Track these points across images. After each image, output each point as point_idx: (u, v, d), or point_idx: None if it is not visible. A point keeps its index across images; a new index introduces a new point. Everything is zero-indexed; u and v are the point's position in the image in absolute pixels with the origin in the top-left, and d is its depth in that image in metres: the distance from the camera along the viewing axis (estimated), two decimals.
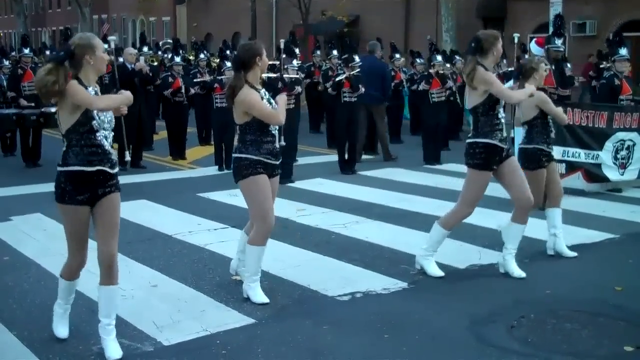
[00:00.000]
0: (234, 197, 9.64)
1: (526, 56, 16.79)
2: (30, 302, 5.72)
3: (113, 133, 4.74)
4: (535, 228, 7.11)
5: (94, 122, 4.58)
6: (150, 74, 12.29)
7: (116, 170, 4.74)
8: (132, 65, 11.78)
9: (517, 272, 6.28)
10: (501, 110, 6.10)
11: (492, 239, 7.21)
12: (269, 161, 5.64)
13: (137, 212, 8.77)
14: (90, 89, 4.60)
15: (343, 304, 5.65)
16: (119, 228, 4.88)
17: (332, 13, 28.15)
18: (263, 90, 5.66)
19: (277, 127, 5.75)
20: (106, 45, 16.57)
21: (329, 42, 18.10)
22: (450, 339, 4.95)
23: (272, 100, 5.70)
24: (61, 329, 4.96)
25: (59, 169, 4.61)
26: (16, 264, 6.70)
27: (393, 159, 12.74)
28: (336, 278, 6.21)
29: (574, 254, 6.90)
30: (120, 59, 11.88)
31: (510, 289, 6.01)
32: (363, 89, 12.03)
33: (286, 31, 30.77)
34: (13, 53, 20.55)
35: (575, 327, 5.19)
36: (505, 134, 6.17)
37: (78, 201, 4.60)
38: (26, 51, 13.42)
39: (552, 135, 6.83)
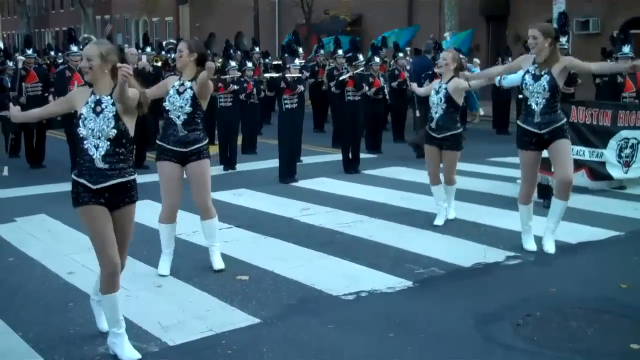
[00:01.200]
0: (239, 197, 9.68)
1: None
2: (34, 303, 5.72)
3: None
4: (540, 226, 7.09)
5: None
6: (153, 74, 12.29)
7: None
8: (135, 66, 11.73)
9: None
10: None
11: (497, 237, 7.21)
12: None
13: (140, 212, 8.64)
14: (91, 97, 4.64)
15: (348, 303, 5.64)
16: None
17: (335, 12, 28.13)
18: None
19: None
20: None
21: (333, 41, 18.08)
22: (456, 338, 4.94)
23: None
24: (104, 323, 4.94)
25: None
26: (21, 264, 6.71)
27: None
28: (341, 277, 6.21)
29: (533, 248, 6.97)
30: None
31: (515, 287, 6.00)
32: (367, 88, 12.03)
33: (289, 30, 30.77)
34: (16, 54, 20.61)
35: (581, 324, 5.17)
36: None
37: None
38: (29, 52, 13.41)
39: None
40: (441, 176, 8.06)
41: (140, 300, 5.69)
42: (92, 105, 4.60)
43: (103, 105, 4.58)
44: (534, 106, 6.57)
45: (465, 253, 6.88)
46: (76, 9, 44.57)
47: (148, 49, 16.03)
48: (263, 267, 6.51)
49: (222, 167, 12.03)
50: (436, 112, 7.85)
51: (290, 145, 10.90)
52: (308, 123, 15.18)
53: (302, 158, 12.00)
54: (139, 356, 4.64)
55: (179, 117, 6.22)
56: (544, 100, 6.52)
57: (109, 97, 4.59)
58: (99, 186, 4.57)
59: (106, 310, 4.72)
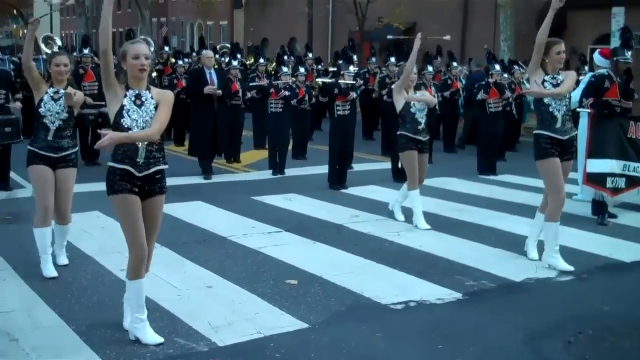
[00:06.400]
0: (288, 202, 9.73)
1: (585, 67, 16.59)
2: (88, 298, 5.83)
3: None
4: (594, 243, 6.99)
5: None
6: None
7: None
8: (210, 71, 11.54)
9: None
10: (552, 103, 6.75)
11: None
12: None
13: (192, 213, 8.88)
14: (130, 91, 4.81)
15: (397, 312, 5.62)
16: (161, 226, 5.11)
17: (389, 20, 28.08)
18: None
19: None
20: (167, 48, 16.77)
21: (386, 49, 18.07)
22: (506, 352, 4.89)
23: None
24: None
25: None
26: (75, 260, 6.83)
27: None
28: (390, 286, 6.19)
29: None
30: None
31: (566, 303, 5.91)
32: None
33: (342, 37, 30.89)
34: (74, 53, 21.03)
35: (635, 345, 5.07)
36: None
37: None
38: (86, 51, 13.67)
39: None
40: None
41: (191, 301, 5.76)
42: (132, 98, 4.82)
43: (143, 99, 4.83)
44: (556, 113, 6.70)
45: (516, 267, 6.80)
46: (133, 10, 45.31)
47: (204, 52, 16.13)
48: (312, 273, 6.52)
49: (270, 171, 12.09)
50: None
51: (341, 152, 10.91)
52: (357, 130, 15.18)
53: (352, 165, 11.99)
54: (162, 340, 4.89)
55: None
56: (564, 107, 6.73)
57: (147, 91, 4.88)
58: (143, 174, 4.81)
59: (131, 296, 4.94)
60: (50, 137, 6.33)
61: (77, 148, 6.69)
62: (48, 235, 6.45)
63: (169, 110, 4.89)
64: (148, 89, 4.92)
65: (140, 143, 4.78)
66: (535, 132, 6.87)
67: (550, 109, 6.69)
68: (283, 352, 4.79)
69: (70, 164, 6.49)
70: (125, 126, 4.76)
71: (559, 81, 6.67)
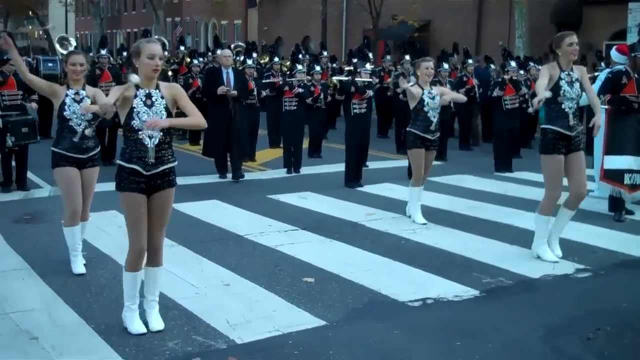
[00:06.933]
0: (304, 200, 9.74)
1: (602, 63, 16.48)
2: (106, 296, 5.86)
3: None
4: (611, 239, 6.95)
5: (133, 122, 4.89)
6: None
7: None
8: (228, 70, 11.30)
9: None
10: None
11: (565, 249, 7.08)
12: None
13: (208, 212, 8.92)
14: (140, 91, 4.88)
15: (414, 309, 5.62)
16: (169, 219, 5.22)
17: (403, 18, 28.01)
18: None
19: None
20: (182, 47, 16.80)
21: (400, 46, 18.05)
22: (524, 349, 4.87)
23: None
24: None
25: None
26: (93, 259, 6.86)
27: None
28: (407, 283, 6.19)
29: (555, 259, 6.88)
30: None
31: (584, 300, 5.88)
32: None
33: (356, 35, 30.84)
34: (90, 54, 21.14)
35: None
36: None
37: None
38: (103, 52, 13.72)
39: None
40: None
41: (209, 298, 5.78)
42: (143, 99, 4.89)
43: (153, 99, 4.91)
44: (567, 110, 6.69)
45: (533, 264, 6.78)
46: (147, 10, 45.52)
47: (219, 52, 16.16)
48: (329, 270, 6.53)
49: (285, 170, 12.10)
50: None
51: (357, 150, 10.91)
52: (372, 129, 15.19)
53: (367, 163, 11.98)
54: (145, 330, 5.03)
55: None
56: (575, 105, 6.74)
57: (157, 90, 4.95)
58: (151, 172, 4.91)
59: (125, 285, 5.12)
60: (77, 139, 6.36)
61: (99, 147, 6.78)
62: (77, 233, 6.55)
63: (188, 99, 5.09)
64: (157, 86, 4.98)
65: (150, 144, 4.88)
66: (543, 126, 6.87)
67: (563, 106, 6.67)
68: (301, 350, 4.80)
69: (95, 163, 6.60)
70: (136, 128, 4.86)
71: (573, 79, 6.65)
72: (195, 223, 8.35)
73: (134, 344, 4.90)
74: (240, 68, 13.63)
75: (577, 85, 6.68)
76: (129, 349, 4.82)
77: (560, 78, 6.63)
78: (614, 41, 20.19)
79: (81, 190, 6.48)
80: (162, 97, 4.93)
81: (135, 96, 4.87)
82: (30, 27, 50.98)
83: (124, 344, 4.88)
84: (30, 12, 47.58)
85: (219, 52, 16.02)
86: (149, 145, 4.87)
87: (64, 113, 6.35)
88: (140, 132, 4.86)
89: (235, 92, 11.04)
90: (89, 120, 6.42)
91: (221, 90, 10.98)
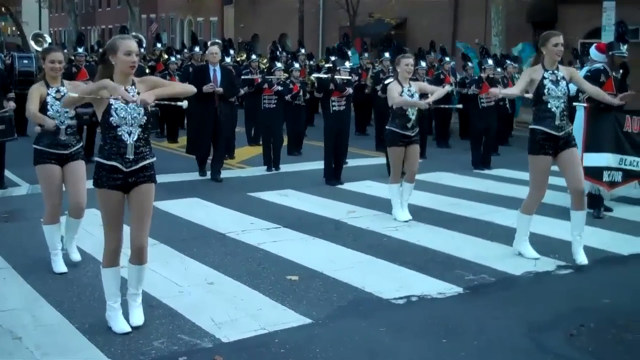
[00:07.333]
0: (285, 197, 9.73)
1: (577, 61, 16.63)
2: (89, 295, 5.81)
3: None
4: (591, 236, 7.02)
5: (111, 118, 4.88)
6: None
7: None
8: (215, 67, 11.00)
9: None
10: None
11: (547, 247, 7.14)
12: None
13: (189, 209, 8.88)
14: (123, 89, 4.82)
15: (399, 307, 5.64)
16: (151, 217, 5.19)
17: (380, 15, 28.09)
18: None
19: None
20: (159, 44, 16.65)
21: (378, 45, 18.09)
22: (509, 346, 4.91)
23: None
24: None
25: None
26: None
27: None
28: (391, 281, 6.21)
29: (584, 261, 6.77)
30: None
31: (567, 296, 5.94)
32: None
33: (333, 33, 30.88)
34: (65, 50, 20.92)
35: (637, 337, 5.10)
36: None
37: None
38: (80, 50, 13.61)
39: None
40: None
41: (193, 297, 5.76)
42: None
43: (131, 94, 4.86)
44: (554, 109, 6.66)
45: (515, 261, 6.83)
46: (122, 7, 45.20)
47: (197, 49, 16.11)
48: (313, 268, 6.53)
49: (265, 167, 12.07)
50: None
51: (336, 148, 10.91)
52: (350, 126, 15.22)
53: (347, 160, 11.98)
54: (129, 329, 5.00)
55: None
56: (562, 104, 6.69)
57: (132, 87, 4.93)
58: (130, 169, 4.90)
59: (104, 283, 5.13)
60: (62, 137, 6.33)
61: (82, 143, 6.75)
62: (57, 232, 6.50)
63: (162, 79, 5.21)
64: (132, 83, 4.97)
65: (129, 140, 4.87)
66: (531, 127, 6.86)
67: (549, 105, 6.66)
68: (288, 348, 4.80)
69: (79, 157, 6.55)
70: (114, 124, 4.84)
71: (559, 77, 6.66)
72: (176, 221, 8.31)
73: (119, 343, 4.86)
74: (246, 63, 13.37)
75: (563, 83, 6.67)
76: (114, 348, 4.79)
77: (543, 77, 6.64)
78: (589, 39, 20.40)
79: (68, 186, 6.43)
80: (139, 93, 4.92)
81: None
82: (2, 24, 50.29)
83: (109, 344, 4.85)
84: (3, 8, 46.91)
85: (196, 49, 16.07)
86: (128, 142, 4.86)
87: (48, 113, 6.28)
88: (119, 129, 4.85)
89: (221, 90, 10.91)
90: (72, 117, 6.40)
91: (207, 88, 10.83)
